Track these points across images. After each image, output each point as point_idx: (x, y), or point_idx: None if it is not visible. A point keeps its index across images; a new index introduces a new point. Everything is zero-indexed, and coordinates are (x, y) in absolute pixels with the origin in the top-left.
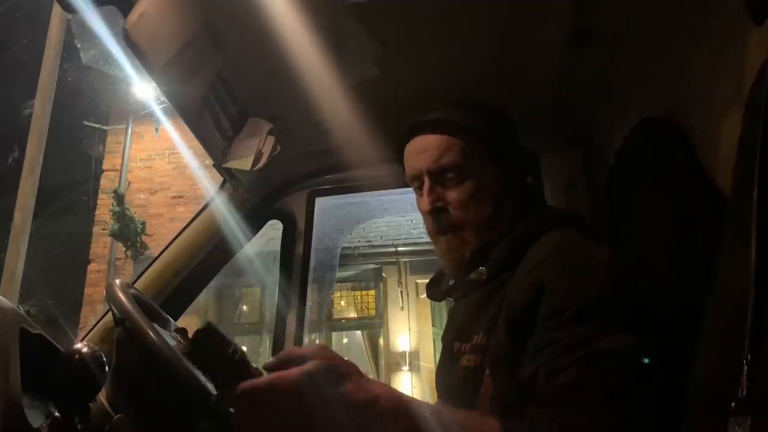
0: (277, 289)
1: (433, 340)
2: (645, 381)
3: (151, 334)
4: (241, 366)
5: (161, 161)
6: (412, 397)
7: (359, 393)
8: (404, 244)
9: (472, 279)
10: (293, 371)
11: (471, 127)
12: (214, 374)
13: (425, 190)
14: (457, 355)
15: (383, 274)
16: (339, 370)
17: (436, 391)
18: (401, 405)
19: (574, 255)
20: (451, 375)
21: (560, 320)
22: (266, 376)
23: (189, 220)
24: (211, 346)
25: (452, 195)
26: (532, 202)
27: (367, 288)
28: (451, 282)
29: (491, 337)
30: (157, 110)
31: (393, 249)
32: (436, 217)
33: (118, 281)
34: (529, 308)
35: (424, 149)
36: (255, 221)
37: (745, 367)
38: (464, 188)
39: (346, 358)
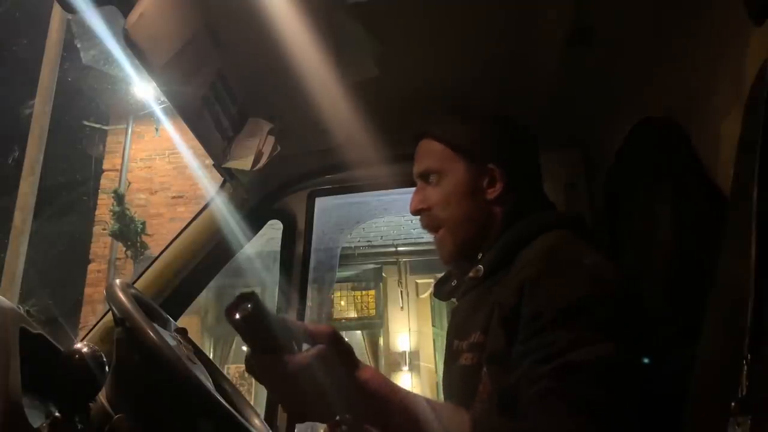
0: (277, 289)
1: (433, 340)
2: (618, 394)
3: (151, 334)
4: (284, 334)
5: (161, 161)
6: (394, 385)
7: (352, 377)
8: (404, 244)
9: (470, 277)
10: (308, 355)
11: (448, 132)
12: (255, 344)
13: (414, 192)
14: (457, 353)
15: (383, 274)
16: (341, 353)
17: (439, 391)
18: (383, 392)
19: (560, 258)
20: (451, 374)
21: (538, 326)
22: (303, 356)
23: (189, 220)
24: (261, 316)
25: (433, 196)
26: (531, 203)
27: (367, 288)
28: (454, 282)
29: (488, 335)
30: (157, 110)
31: (393, 249)
32: (421, 217)
33: (118, 281)
34: (518, 308)
35: (418, 155)
36: (255, 221)
37: (745, 367)
38: (441, 190)
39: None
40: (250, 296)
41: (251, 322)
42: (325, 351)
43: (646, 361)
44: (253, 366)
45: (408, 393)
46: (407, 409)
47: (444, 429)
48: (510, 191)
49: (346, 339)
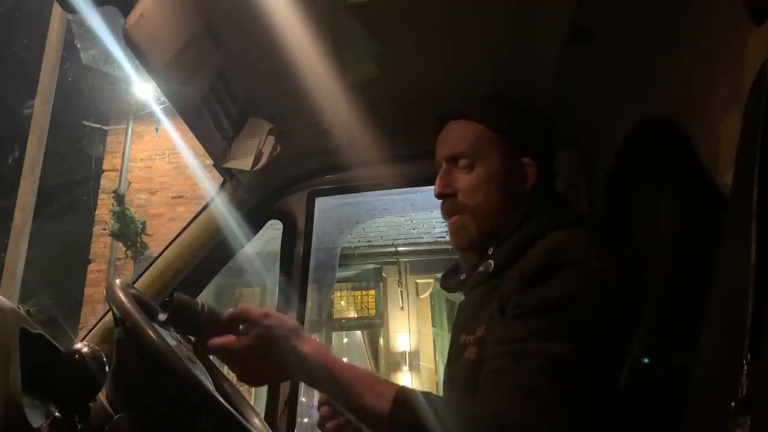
0: (277, 289)
1: (433, 340)
2: (565, 391)
3: (151, 334)
4: (211, 319)
5: (161, 161)
6: (337, 357)
7: (292, 353)
8: (404, 244)
9: (480, 271)
10: (242, 341)
11: (494, 117)
12: (190, 331)
13: (439, 175)
14: (463, 347)
15: (383, 274)
16: (279, 334)
17: (439, 391)
18: (322, 362)
19: (561, 255)
20: (455, 368)
21: (518, 313)
22: (222, 340)
23: (189, 220)
24: (183, 308)
25: (462, 182)
26: (550, 200)
27: (367, 288)
28: (463, 276)
29: (489, 329)
30: (157, 110)
31: (393, 249)
32: (444, 201)
33: (118, 281)
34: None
35: (447, 136)
36: (255, 221)
37: (745, 367)
38: (473, 176)
39: (286, 319)
40: (172, 296)
41: (175, 317)
42: (258, 335)
43: (584, 374)
44: (197, 350)
45: (346, 365)
46: (345, 379)
47: (375, 393)
48: (536, 188)
49: (346, 339)
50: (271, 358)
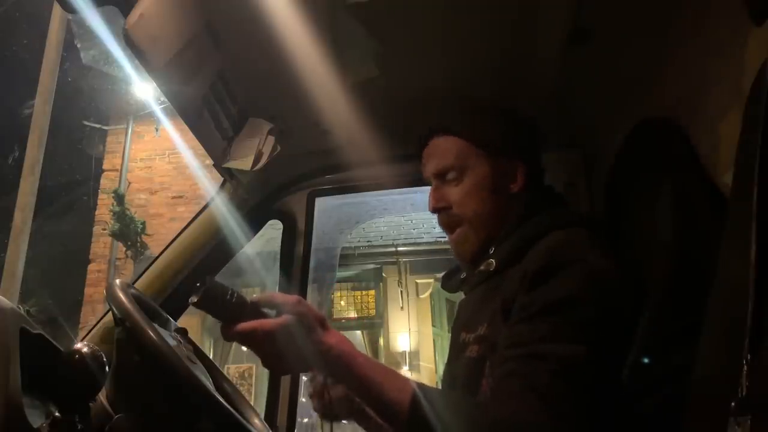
0: (277, 289)
1: (433, 341)
2: (576, 393)
3: (151, 334)
4: (240, 306)
5: (161, 161)
6: (359, 351)
7: (317, 342)
8: (404, 244)
9: (481, 270)
10: (271, 322)
11: (471, 128)
12: (218, 316)
13: (431, 190)
14: (464, 346)
15: (383, 274)
16: (306, 323)
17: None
18: (346, 354)
19: (563, 254)
20: (456, 366)
21: (525, 315)
22: (251, 323)
23: (189, 220)
24: (215, 293)
25: (453, 194)
26: (547, 199)
27: (367, 288)
28: (463, 276)
29: (491, 327)
30: (157, 110)
31: (393, 249)
32: (439, 216)
33: (118, 281)
34: (516, 298)
35: (431, 154)
36: (255, 221)
37: (745, 367)
38: (463, 187)
39: (314, 309)
40: (204, 281)
41: (205, 301)
42: (288, 320)
43: (593, 374)
44: (224, 334)
45: (368, 359)
46: (366, 373)
47: (396, 390)
48: (529, 186)
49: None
50: (294, 345)
